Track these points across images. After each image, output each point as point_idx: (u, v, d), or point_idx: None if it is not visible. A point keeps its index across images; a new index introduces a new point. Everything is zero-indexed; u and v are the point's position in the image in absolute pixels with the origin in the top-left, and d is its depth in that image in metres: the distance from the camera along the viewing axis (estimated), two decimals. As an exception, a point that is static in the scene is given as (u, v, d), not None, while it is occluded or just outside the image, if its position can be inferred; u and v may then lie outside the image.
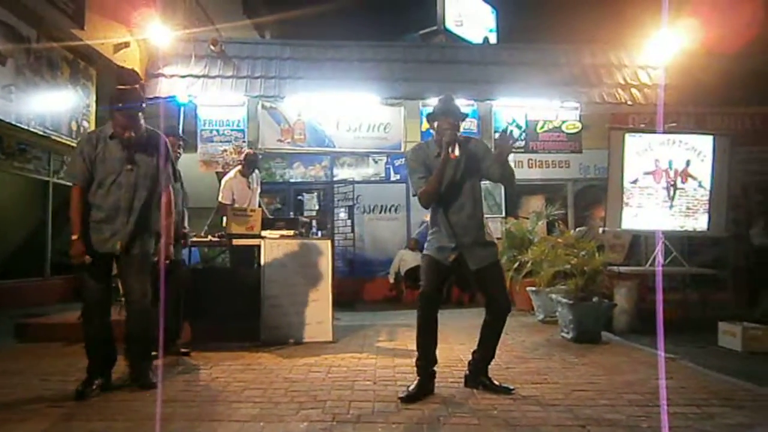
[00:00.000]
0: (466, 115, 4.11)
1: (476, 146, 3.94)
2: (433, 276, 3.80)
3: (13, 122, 6.66)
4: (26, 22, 6.69)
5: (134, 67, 8.02)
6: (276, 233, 5.83)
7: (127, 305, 3.96)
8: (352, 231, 11.23)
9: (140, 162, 3.87)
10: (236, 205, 6.46)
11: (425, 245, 3.93)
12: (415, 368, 3.82)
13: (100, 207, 3.78)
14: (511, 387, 3.82)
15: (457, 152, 3.64)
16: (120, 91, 3.82)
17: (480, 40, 15.88)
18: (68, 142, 7.76)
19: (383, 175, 11.37)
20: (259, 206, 6.81)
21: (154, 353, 4.27)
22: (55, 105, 7.40)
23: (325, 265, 5.75)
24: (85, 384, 3.72)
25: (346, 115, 9.11)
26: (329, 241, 5.93)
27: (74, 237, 3.72)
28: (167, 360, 4.63)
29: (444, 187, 3.75)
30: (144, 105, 3.92)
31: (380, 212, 11.30)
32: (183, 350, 5.03)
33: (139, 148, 3.88)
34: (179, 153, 5.21)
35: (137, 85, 3.88)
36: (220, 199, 6.74)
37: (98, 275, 3.82)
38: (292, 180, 11.27)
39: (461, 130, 3.95)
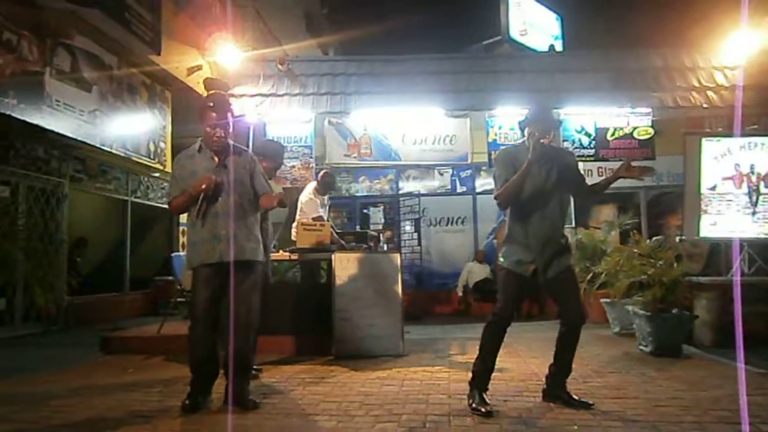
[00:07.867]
0: (560, 123, 4.03)
1: (570, 160, 3.93)
2: (512, 293, 3.74)
3: (98, 145, 7.06)
4: (108, 51, 7.09)
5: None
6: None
7: (233, 320, 3.79)
8: (419, 244, 11.22)
9: (230, 166, 3.88)
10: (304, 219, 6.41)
11: (502, 256, 3.85)
12: (471, 382, 3.80)
13: (206, 221, 3.77)
14: (591, 402, 3.70)
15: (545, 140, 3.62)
16: (213, 94, 4.29)
17: (545, 48, 15.69)
18: (146, 163, 8.14)
19: (449, 187, 11.34)
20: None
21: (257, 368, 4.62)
22: (134, 127, 7.79)
23: (395, 278, 5.75)
24: (188, 399, 3.74)
25: (412, 128, 9.17)
26: (398, 254, 5.93)
27: (195, 189, 3.71)
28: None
29: (531, 194, 3.69)
30: (233, 108, 4.03)
31: (447, 224, 11.26)
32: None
33: (227, 155, 3.91)
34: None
35: (226, 92, 4.05)
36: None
37: (207, 289, 3.77)
38: (358, 194, 11.40)
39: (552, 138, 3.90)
